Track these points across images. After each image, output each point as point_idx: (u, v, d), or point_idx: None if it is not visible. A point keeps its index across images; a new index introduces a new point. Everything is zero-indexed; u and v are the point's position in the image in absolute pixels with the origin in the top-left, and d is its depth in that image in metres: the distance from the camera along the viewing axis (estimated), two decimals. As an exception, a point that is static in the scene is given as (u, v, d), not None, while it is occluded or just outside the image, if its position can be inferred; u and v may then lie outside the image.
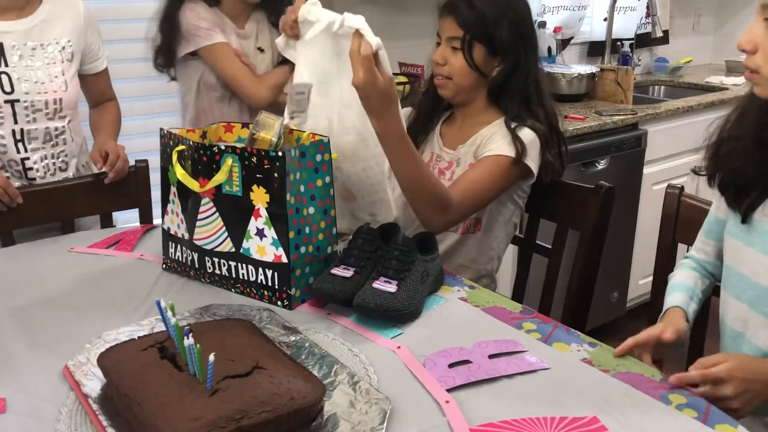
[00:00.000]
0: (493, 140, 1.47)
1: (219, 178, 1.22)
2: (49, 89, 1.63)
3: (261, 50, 1.98)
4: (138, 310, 1.24)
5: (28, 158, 1.64)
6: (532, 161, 1.47)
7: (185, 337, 0.91)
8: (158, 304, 0.99)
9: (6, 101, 1.59)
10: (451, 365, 1.05)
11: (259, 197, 1.21)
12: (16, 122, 1.61)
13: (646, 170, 2.94)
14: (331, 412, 0.94)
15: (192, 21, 1.88)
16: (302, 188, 1.23)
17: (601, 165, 2.73)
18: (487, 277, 1.62)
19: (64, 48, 1.67)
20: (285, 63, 1.97)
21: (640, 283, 3.06)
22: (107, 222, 1.74)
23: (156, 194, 1.50)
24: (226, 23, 1.94)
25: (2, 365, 1.06)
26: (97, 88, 1.83)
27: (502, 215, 1.55)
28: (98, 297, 1.30)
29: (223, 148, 1.22)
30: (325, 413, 0.94)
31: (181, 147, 1.27)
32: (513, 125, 1.47)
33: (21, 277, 1.37)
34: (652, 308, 1.49)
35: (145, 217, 1.75)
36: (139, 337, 1.05)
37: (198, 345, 0.90)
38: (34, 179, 1.66)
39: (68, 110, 1.69)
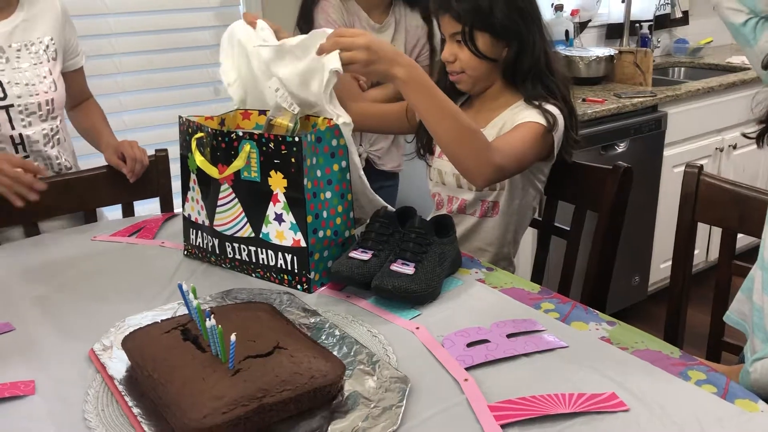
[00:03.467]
0: (522, 115, 1.46)
1: (237, 164, 1.23)
2: (40, 90, 1.61)
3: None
4: (160, 295, 1.26)
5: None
6: (557, 138, 1.46)
7: (207, 319, 0.93)
8: (180, 287, 1.01)
9: (0, 107, 1.56)
10: (469, 345, 1.06)
11: (277, 182, 1.22)
12: (13, 128, 1.58)
13: (667, 152, 2.91)
14: (351, 391, 0.95)
15: (321, 23, 1.87)
16: (319, 173, 1.24)
17: (621, 148, 2.71)
18: (505, 260, 1.62)
19: (48, 47, 1.64)
20: None
21: (661, 266, 3.04)
22: (129, 211, 1.76)
23: (176, 184, 1.51)
24: (360, 18, 1.92)
25: (30, 350, 1.09)
26: (77, 86, 1.79)
27: (521, 199, 1.55)
28: (121, 283, 1.32)
29: (241, 134, 1.23)
30: (345, 392, 0.95)
31: (200, 134, 1.29)
32: (537, 103, 1.47)
33: (46, 265, 1.40)
34: (671, 292, 1.49)
35: (166, 206, 1.78)
36: (162, 321, 1.07)
37: (219, 326, 0.91)
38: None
39: (59, 110, 1.68)
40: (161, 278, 1.33)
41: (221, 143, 1.26)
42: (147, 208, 1.85)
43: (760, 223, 1.25)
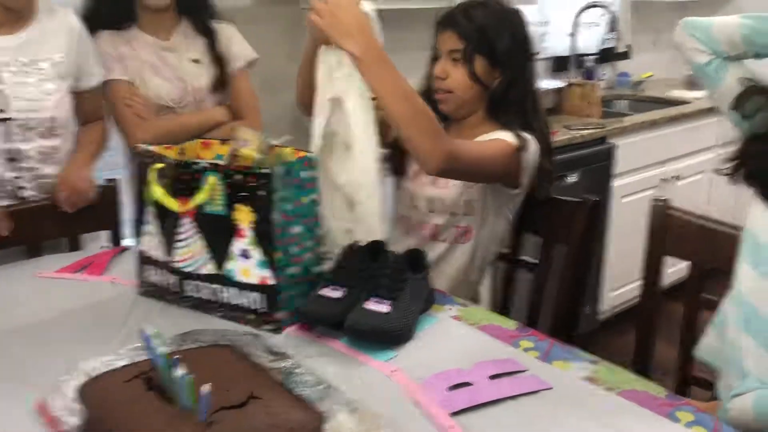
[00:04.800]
0: (495, 133, 1.46)
1: (201, 197, 1.16)
2: (42, 107, 1.56)
3: (196, 61, 1.89)
4: (115, 338, 1.17)
5: (21, 177, 1.56)
6: (526, 163, 1.45)
7: (175, 367, 0.86)
8: (143, 335, 0.93)
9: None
10: (451, 388, 1.01)
11: (244, 216, 1.16)
12: (9, 141, 1.53)
13: (616, 183, 2.96)
14: (331, 442, 0.89)
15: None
16: (288, 206, 1.18)
17: (572, 178, 2.74)
18: (472, 289, 1.59)
19: (57, 64, 1.60)
20: (221, 85, 1.90)
21: (611, 295, 3.07)
22: (75, 244, 1.66)
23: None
24: (144, 42, 1.84)
25: (-30, 402, 0.99)
26: (87, 106, 1.73)
27: (492, 227, 1.53)
28: (71, 325, 1.23)
29: (205, 165, 1.17)
30: (325, 443, 0.89)
31: (159, 165, 1.21)
32: (513, 127, 1.46)
33: (-16, 305, 1.29)
34: (639, 326, 1.48)
35: (115, 239, 1.68)
36: (121, 367, 0.99)
37: (191, 378, 0.84)
38: (25, 199, 1.58)
39: (62, 129, 1.62)
40: (115, 318, 1.24)
41: (183, 175, 1.19)
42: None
43: (726, 258, 1.26)
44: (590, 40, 3.66)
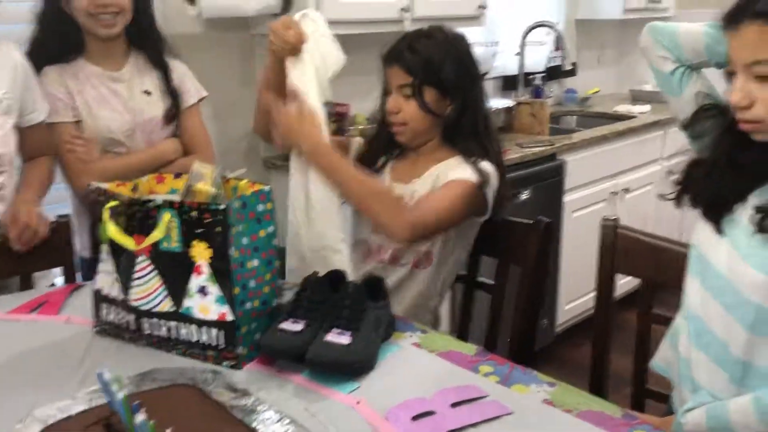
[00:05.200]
0: (454, 170, 1.48)
1: (156, 234, 1.15)
2: None
3: (147, 93, 1.88)
4: (71, 381, 1.14)
5: None
6: (490, 195, 1.48)
7: (136, 413, 0.85)
8: (100, 377, 0.92)
9: None
10: (414, 418, 1.02)
11: (201, 253, 1.15)
12: None
13: (566, 198, 3.02)
14: (297, 480, 0.89)
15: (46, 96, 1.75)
16: (245, 240, 1.18)
17: (525, 195, 2.79)
18: (432, 313, 1.61)
19: (1, 101, 1.57)
20: (174, 118, 1.90)
21: (566, 308, 3.13)
22: (26, 284, 1.62)
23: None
24: (92, 72, 1.82)
25: None
26: (32, 142, 1.70)
27: (453, 251, 1.55)
28: (24, 368, 1.20)
29: (160, 202, 1.16)
30: (290, 482, 0.89)
31: (113, 203, 1.20)
32: (472, 159, 1.48)
33: (-69, 350, 1.25)
34: (594, 344, 1.51)
35: (69, 277, 1.64)
36: (78, 414, 0.97)
37: (152, 422, 0.83)
38: None
39: (6, 165, 1.58)
40: (70, 360, 1.21)
41: (137, 212, 1.18)
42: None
43: (675, 274, 1.30)
44: (537, 59, 3.75)
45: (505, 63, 3.65)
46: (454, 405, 1.05)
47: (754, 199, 1.13)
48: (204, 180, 1.26)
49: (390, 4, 2.58)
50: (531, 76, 3.66)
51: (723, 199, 1.18)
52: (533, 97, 3.53)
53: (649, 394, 1.47)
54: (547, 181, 2.91)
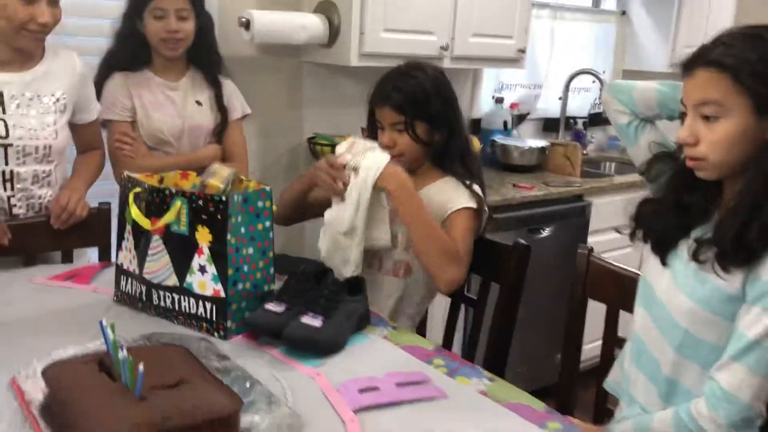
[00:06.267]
0: (451, 198, 1.65)
1: (168, 217, 1.36)
2: (40, 136, 1.77)
3: (199, 103, 2.12)
4: (85, 335, 1.34)
5: (14, 196, 1.77)
6: (484, 217, 1.65)
7: (120, 350, 1.04)
8: (100, 323, 1.12)
9: (0, 145, 1.72)
10: (361, 390, 1.18)
11: (203, 236, 1.35)
12: (6, 164, 1.73)
13: (591, 239, 3.11)
14: (248, 425, 1.06)
15: (106, 103, 2.03)
16: (243, 230, 1.37)
17: (546, 232, 2.90)
18: (410, 320, 1.74)
19: (58, 100, 1.81)
20: (222, 131, 2.14)
21: (586, 347, 3.18)
22: (68, 257, 1.86)
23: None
24: (153, 82, 2.09)
25: (-45, 376, 1.17)
26: (85, 137, 1.96)
27: None
28: (52, 323, 1.42)
29: (174, 191, 1.37)
30: (242, 426, 1.05)
31: (137, 189, 1.42)
32: (467, 183, 1.65)
33: (-17, 302, 1.49)
34: (563, 362, 1.63)
35: (105, 256, 1.88)
36: (82, 354, 1.17)
37: (130, 357, 1.02)
38: (17, 216, 1.79)
39: (56, 155, 1.83)
40: (90, 320, 1.41)
41: (156, 198, 1.39)
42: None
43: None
44: (582, 105, 3.87)
45: (548, 106, 3.78)
46: (399, 385, 1.20)
47: (696, 234, 1.26)
48: (216, 177, 1.46)
49: (430, 43, 2.76)
50: (573, 120, 3.78)
51: (669, 235, 1.30)
52: (573, 140, 3.64)
53: (608, 414, 1.57)
54: (572, 219, 3.01)
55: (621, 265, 1.58)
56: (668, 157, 1.38)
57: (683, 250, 1.26)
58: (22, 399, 1.09)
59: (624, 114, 1.46)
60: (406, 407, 1.15)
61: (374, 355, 1.34)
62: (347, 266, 1.56)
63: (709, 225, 1.24)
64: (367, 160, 1.55)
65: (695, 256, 1.21)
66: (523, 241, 1.65)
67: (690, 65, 1.21)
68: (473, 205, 1.62)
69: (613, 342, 1.57)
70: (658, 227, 1.32)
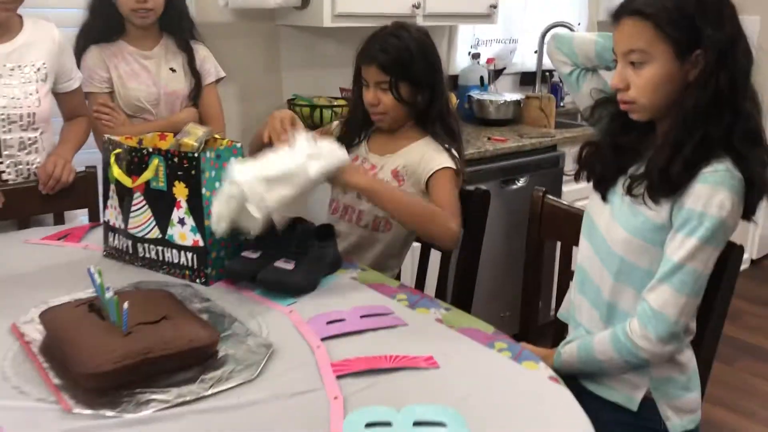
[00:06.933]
0: (432, 158, 1.74)
1: (147, 175, 1.47)
2: (24, 104, 1.86)
3: (173, 70, 2.22)
4: (78, 286, 1.47)
5: (2, 162, 1.87)
6: (463, 175, 1.75)
7: (107, 291, 1.16)
8: (89, 269, 1.24)
9: None
10: (328, 322, 1.31)
11: (180, 191, 1.46)
12: None
13: (565, 188, 3.22)
14: (224, 354, 1.18)
15: (85, 73, 2.12)
16: (217, 184, 1.48)
17: (520, 183, 3.01)
18: (389, 272, 1.86)
19: (39, 69, 1.90)
20: (196, 96, 2.22)
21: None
22: (59, 220, 1.98)
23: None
24: (128, 52, 2.18)
25: (-40, 324, 1.29)
26: (69, 105, 2.06)
27: None
28: (46, 278, 1.54)
29: (151, 150, 1.48)
30: (219, 355, 1.18)
31: (118, 150, 1.53)
32: (446, 146, 1.74)
33: (-19, 261, 1.61)
34: (523, 298, 1.76)
35: (94, 218, 1.99)
36: (72, 300, 1.29)
37: (116, 297, 1.14)
38: (7, 182, 1.90)
39: (41, 123, 1.93)
40: (82, 274, 1.52)
41: (134, 158, 1.50)
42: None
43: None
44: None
45: (524, 60, 3.86)
46: (363, 317, 1.33)
47: (631, 171, 1.37)
48: (191, 136, 1.57)
49: (402, 1, 2.83)
50: (549, 74, 3.87)
51: (608, 174, 1.42)
52: (549, 93, 3.73)
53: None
54: (546, 170, 3.12)
55: (571, 204, 1.69)
56: (609, 102, 1.49)
57: (620, 186, 1.38)
58: (23, 341, 1.22)
59: (566, 64, 1.56)
60: (369, 334, 1.28)
61: (343, 294, 1.46)
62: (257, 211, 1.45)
63: (642, 163, 1.36)
64: (327, 147, 1.52)
65: (629, 191, 1.33)
66: (483, 187, 1.76)
67: (617, 15, 1.31)
68: (453, 165, 1.72)
69: (567, 275, 1.70)
70: (598, 167, 1.44)
